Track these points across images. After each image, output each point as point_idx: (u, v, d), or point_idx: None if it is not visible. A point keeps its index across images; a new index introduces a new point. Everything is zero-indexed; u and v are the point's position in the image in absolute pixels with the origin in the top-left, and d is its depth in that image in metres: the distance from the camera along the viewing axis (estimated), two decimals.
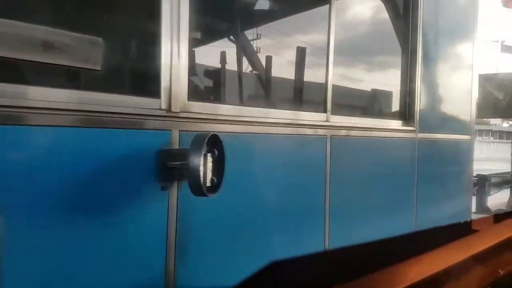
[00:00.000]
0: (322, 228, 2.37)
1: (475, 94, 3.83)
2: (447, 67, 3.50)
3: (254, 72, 2.11)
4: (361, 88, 2.99)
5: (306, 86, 2.62)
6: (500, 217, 4.75)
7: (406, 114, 3.08)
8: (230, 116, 1.85)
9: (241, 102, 2.11)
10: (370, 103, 3.12)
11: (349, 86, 2.94)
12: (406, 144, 3.05)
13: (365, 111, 2.84)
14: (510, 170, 9.06)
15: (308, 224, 2.31)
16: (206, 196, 1.49)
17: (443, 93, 3.44)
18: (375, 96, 3.14)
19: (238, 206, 1.88)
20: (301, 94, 2.56)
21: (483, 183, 9.04)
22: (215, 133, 1.56)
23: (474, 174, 10.73)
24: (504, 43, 5.30)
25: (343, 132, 2.49)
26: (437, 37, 3.35)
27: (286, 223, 2.18)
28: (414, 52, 3.05)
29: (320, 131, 2.35)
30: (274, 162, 2.09)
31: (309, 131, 2.28)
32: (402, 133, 3.01)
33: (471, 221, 3.84)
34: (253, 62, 2.90)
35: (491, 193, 9.35)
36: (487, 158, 22.91)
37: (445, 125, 3.47)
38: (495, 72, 5.65)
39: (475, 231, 4.19)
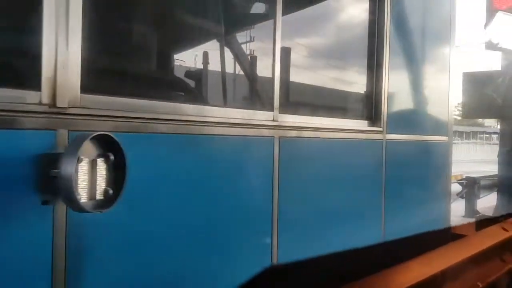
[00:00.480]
0: (268, 242, 2.10)
1: (454, 94, 3.58)
2: (418, 67, 3.25)
3: (182, 64, 1.85)
4: (323, 86, 2.73)
5: (251, 81, 2.35)
6: (481, 223, 4.51)
7: (372, 114, 2.83)
8: (142, 113, 1.57)
9: (162, 96, 1.82)
10: (332, 102, 2.86)
11: (308, 84, 2.68)
12: (372, 146, 2.79)
13: (325, 111, 2.58)
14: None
15: (250, 238, 2.03)
16: (88, 212, 1.22)
17: (414, 93, 3.19)
18: (339, 95, 2.87)
19: (153, 222, 1.61)
20: (243, 90, 2.29)
21: (472, 186, 8.79)
22: (108, 133, 1.29)
23: (463, 176, 10.53)
24: (489, 42, 5.13)
25: (294, 133, 2.22)
26: (406, 36, 3.10)
27: (223, 238, 1.90)
28: (380, 51, 2.80)
29: (266, 132, 2.08)
30: (204, 168, 1.81)
31: (251, 132, 2.01)
32: (367, 134, 2.75)
33: (449, 228, 3.58)
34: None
35: (481, 196, 9.11)
36: (482, 160, 22.73)
37: (417, 126, 3.21)
38: (482, 70, 5.40)
39: (456, 238, 3.94)
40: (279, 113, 2.14)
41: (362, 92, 2.85)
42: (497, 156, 5.66)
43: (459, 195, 9.16)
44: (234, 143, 1.95)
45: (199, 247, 1.80)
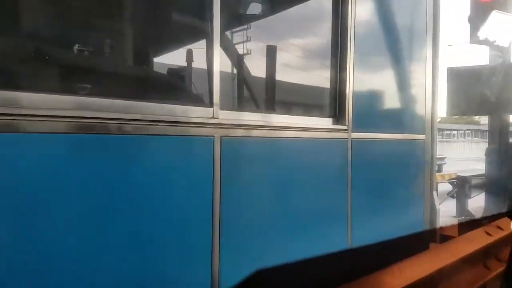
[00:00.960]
0: (208, 257, 1.85)
1: (434, 90, 3.34)
2: (389, 63, 3.00)
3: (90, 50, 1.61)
4: (280, 81, 2.48)
5: (185, 74, 2.10)
6: (465, 226, 4.28)
7: (336, 111, 2.58)
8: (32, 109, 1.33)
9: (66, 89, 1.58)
10: (292, 99, 2.61)
11: (260, 78, 2.43)
12: (336, 146, 2.55)
13: (281, 107, 2.34)
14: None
15: (186, 254, 1.79)
16: None
17: (384, 89, 2.95)
18: (299, 91, 2.63)
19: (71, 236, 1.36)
20: (176, 83, 2.03)
21: (463, 185, 8.56)
22: None
23: (454, 176, 10.30)
24: (474, 36, 4.91)
25: (240, 132, 1.97)
26: (374, 31, 2.86)
27: (152, 256, 1.66)
28: (344, 44, 2.56)
29: (204, 131, 1.83)
30: (127, 173, 1.57)
31: (184, 131, 1.77)
32: (330, 133, 2.51)
33: (428, 233, 3.34)
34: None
35: (472, 195, 8.88)
36: (477, 158, 22.53)
37: (388, 124, 2.97)
38: (470, 65, 5.17)
39: (434, 245, 3.72)
40: (221, 109, 1.89)
41: (326, 87, 2.60)
42: (485, 155, 5.42)
43: (450, 194, 8.93)
44: (164, 144, 1.70)
45: (124, 267, 1.56)
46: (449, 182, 9.11)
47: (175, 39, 2.21)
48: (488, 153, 5.34)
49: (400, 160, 3.08)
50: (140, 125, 1.60)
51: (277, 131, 2.17)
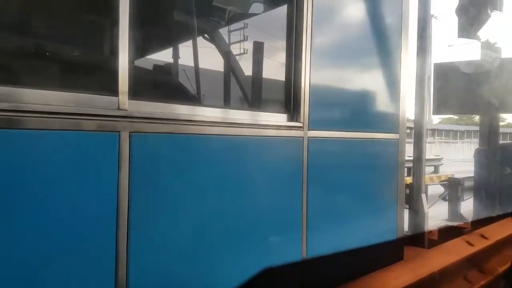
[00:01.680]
0: (111, 277, 1.53)
1: (405, 88, 3.00)
2: (356, 56, 2.68)
3: None
4: (215, 70, 2.16)
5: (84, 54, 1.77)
6: (445, 232, 3.98)
7: (291, 106, 2.26)
8: None
9: None
10: (234, 91, 2.29)
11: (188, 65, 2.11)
12: (288, 145, 2.23)
13: (217, 99, 2.02)
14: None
15: (85, 272, 1.47)
16: None
17: (351, 85, 2.63)
18: (245, 82, 2.30)
19: None
20: (70, 67, 1.70)
21: (455, 188, 8.24)
22: None
23: (446, 177, 9.97)
24: (462, 30, 4.61)
25: (158, 128, 1.65)
26: (336, 18, 2.54)
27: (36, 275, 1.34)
28: (299, 31, 2.24)
29: (105, 125, 1.51)
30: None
31: (79, 125, 1.45)
32: (282, 131, 2.19)
33: (401, 242, 3.02)
34: None
35: (465, 198, 8.55)
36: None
37: (355, 122, 2.65)
38: (458, 60, 4.83)
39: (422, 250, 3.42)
40: (131, 99, 1.57)
41: (278, 79, 2.28)
42: (473, 156, 5.09)
43: (441, 197, 8.62)
44: (45, 140, 1.38)
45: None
46: (441, 184, 8.80)
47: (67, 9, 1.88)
48: (477, 154, 5.01)
49: (369, 161, 2.76)
50: (9, 117, 1.29)
51: (210, 127, 1.85)
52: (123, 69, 1.53)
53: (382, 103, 2.87)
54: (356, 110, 2.68)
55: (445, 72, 4.70)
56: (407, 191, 7.72)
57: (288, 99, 2.26)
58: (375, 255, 2.75)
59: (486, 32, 4.48)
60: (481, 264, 3.23)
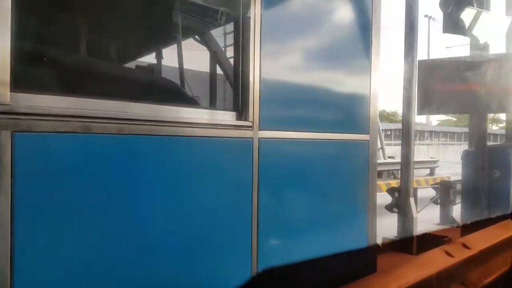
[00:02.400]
0: None
1: (376, 87, 2.74)
2: (314, 50, 2.43)
3: None
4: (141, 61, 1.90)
5: None
6: (423, 239, 3.73)
7: (239, 103, 2.01)
8: None
9: None
10: (164, 85, 2.03)
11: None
12: (235, 147, 1.98)
13: (135, 93, 1.77)
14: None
15: None
16: None
17: (309, 81, 2.36)
18: (181, 76, 2.04)
19: None
20: None
21: (447, 191, 7.98)
22: None
23: (438, 180, 9.70)
24: (447, 24, 4.38)
25: (48, 126, 1.38)
26: (290, 9, 2.29)
27: None
28: (246, 18, 1.98)
29: None
30: None
31: None
32: (227, 131, 1.94)
33: (373, 252, 2.76)
34: None
35: (458, 201, 8.29)
36: None
37: (317, 121, 2.39)
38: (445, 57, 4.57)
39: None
40: (15, 91, 1.31)
41: (222, 73, 2.03)
42: (461, 158, 4.84)
43: (432, 200, 8.37)
44: None
45: None
46: (432, 188, 8.56)
47: None
48: (464, 156, 4.75)
49: (334, 164, 2.50)
50: None
51: (134, 126, 1.59)
52: (3, 56, 1.27)
53: (349, 103, 2.61)
54: (319, 109, 2.42)
55: (429, 70, 4.44)
56: (396, 194, 7.44)
57: (236, 96, 2.01)
58: (341, 267, 2.49)
59: (475, 28, 4.22)
60: (463, 277, 2.97)
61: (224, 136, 1.93)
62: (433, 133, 34.52)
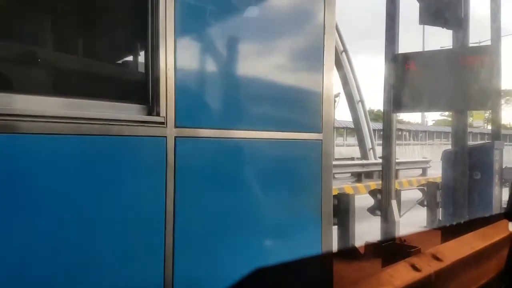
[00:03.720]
0: None
1: (329, 84, 2.42)
2: (254, 40, 2.12)
3: None
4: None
5: None
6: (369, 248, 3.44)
7: (148, 95, 1.68)
8: None
9: None
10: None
11: None
12: (143, 147, 1.65)
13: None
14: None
15: None
16: None
17: (245, 73, 2.06)
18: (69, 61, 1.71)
19: None
20: None
21: (434, 193, 7.68)
22: None
23: (424, 181, 9.42)
24: (423, 15, 4.14)
25: None
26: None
27: None
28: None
29: None
30: None
31: None
32: (133, 127, 1.61)
33: (328, 263, 2.43)
34: None
35: None
36: None
37: (254, 118, 2.08)
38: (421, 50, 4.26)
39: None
40: None
41: (129, 59, 1.71)
42: (440, 159, 4.53)
43: (418, 202, 8.08)
44: None
45: None
46: (418, 189, 8.27)
47: None
48: (444, 157, 4.45)
49: (278, 166, 2.18)
50: None
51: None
52: None
53: (296, 99, 2.31)
54: (257, 105, 2.10)
55: (404, 64, 4.13)
56: (379, 196, 7.08)
57: (145, 86, 1.68)
58: (289, 281, 2.17)
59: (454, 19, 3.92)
60: None
61: (128, 135, 1.61)
62: (427, 133, 34.31)
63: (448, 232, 4.12)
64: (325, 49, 2.39)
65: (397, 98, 4.14)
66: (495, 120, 4.62)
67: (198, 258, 1.79)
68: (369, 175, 15.22)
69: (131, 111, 1.64)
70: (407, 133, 32.48)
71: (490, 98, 4.05)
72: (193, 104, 1.80)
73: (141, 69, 1.67)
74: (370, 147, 15.65)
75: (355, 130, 16.05)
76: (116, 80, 1.68)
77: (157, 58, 1.66)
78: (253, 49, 2.13)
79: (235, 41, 2.02)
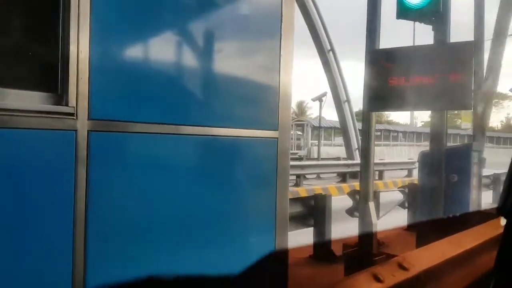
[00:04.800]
0: None
1: (287, 80, 2.20)
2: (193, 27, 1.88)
3: None
4: None
5: None
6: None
7: (56, 81, 1.43)
8: None
9: None
10: None
11: None
12: (47, 140, 1.41)
13: None
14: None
15: None
16: None
17: (179, 63, 1.82)
18: None
19: None
20: None
21: (415, 194, 7.53)
22: None
23: (405, 183, 9.29)
24: (401, 9, 4.01)
25: None
26: None
27: None
28: None
29: None
30: None
31: None
32: (38, 119, 1.37)
33: (282, 267, 2.21)
34: None
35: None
36: None
37: (191, 111, 1.84)
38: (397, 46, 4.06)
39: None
40: None
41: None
42: (417, 160, 4.35)
43: (399, 203, 7.92)
44: None
45: None
46: (399, 191, 8.12)
47: None
48: (421, 158, 4.26)
49: (218, 166, 1.95)
50: None
51: None
52: None
53: (247, 93, 2.09)
54: (198, 97, 1.87)
55: (379, 60, 3.93)
56: (357, 197, 6.86)
57: (53, 71, 1.44)
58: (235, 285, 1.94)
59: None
60: None
61: (31, 127, 1.36)
62: (415, 134, 34.36)
63: (423, 236, 3.94)
64: (282, 42, 2.16)
65: (372, 96, 3.94)
66: (475, 121, 4.44)
67: (113, 265, 1.56)
68: (354, 175, 15.10)
69: (36, 100, 1.40)
70: (396, 134, 32.52)
71: (470, 98, 3.87)
72: (113, 94, 1.56)
73: (51, 52, 1.42)
74: (356, 147, 15.53)
75: (342, 130, 15.94)
76: (21, 65, 1.43)
77: (67, 38, 1.42)
78: (196, 33, 1.89)
79: (171, 23, 1.78)
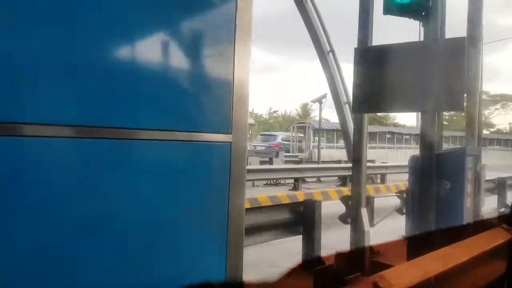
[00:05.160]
0: None
1: (243, 81, 1.96)
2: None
3: None
4: None
5: None
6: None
7: None
8: None
9: None
10: None
11: None
12: None
13: None
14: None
15: None
16: None
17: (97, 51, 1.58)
18: None
19: None
20: None
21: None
22: None
23: (407, 187, 9.00)
24: (388, 4, 3.78)
25: None
26: None
27: None
28: None
29: None
30: None
31: None
32: None
33: None
34: None
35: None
36: None
37: (125, 112, 1.61)
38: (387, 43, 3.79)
39: None
40: None
41: None
42: (408, 164, 4.08)
43: (397, 209, 7.62)
44: None
45: None
46: (397, 196, 7.82)
47: None
48: (411, 163, 4.00)
49: (158, 171, 1.71)
50: None
51: None
52: None
53: (190, 91, 1.85)
54: (126, 94, 1.63)
55: (368, 59, 3.68)
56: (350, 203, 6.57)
57: None
58: None
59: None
60: None
61: None
62: (411, 137, 33.88)
63: (413, 248, 3.68)
64: (237, 34, 1.92)
65: (358, 97, 3.69)
66: (469, 123, 4.17)
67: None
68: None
69: None
70: (400, 136, 32.08)
71: (462, 98, 3.61)
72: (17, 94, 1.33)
73: None
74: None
75: (342, 132, 15.63)
76: None
77: None
78: (139, 28, 1.66)
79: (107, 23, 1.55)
